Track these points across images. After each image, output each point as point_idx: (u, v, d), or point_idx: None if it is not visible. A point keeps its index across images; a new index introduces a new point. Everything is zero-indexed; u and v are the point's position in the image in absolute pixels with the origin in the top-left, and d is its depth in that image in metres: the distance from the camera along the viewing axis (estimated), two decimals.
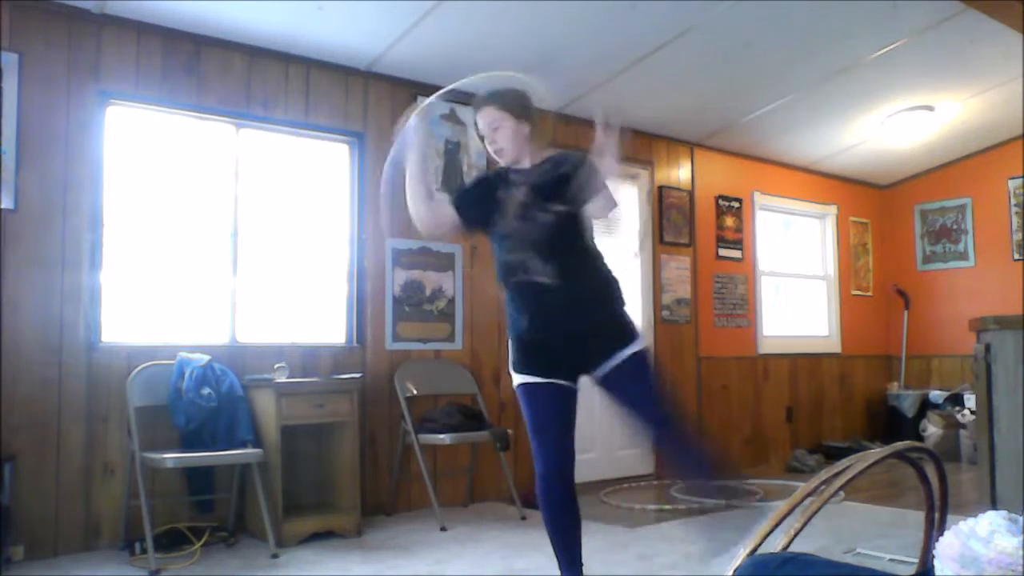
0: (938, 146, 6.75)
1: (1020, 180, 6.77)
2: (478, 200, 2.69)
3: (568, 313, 2.51)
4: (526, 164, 2.66)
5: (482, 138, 2.69)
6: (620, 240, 5.74)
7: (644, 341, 2.61)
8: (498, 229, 2.62)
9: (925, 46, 4.90)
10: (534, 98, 2.70)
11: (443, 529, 4.08)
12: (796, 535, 1.56)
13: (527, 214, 2.54)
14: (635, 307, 5.78)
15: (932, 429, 6.52)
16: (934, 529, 1.70)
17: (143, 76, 3.95)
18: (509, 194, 2.60)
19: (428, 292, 4.78)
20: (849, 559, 3.42)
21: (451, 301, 4.87)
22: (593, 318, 2.53)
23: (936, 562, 1.26)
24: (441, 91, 3.11)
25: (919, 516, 1.79)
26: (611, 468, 5.48)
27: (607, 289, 2.62)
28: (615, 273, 2.67)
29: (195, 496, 3.90)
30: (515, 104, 2.63)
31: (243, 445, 3.75)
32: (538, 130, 2.71)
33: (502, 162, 2.68)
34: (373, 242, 4.62)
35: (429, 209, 2.67)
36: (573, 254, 2.55)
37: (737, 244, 6.51)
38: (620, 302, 2.63)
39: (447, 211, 2.70)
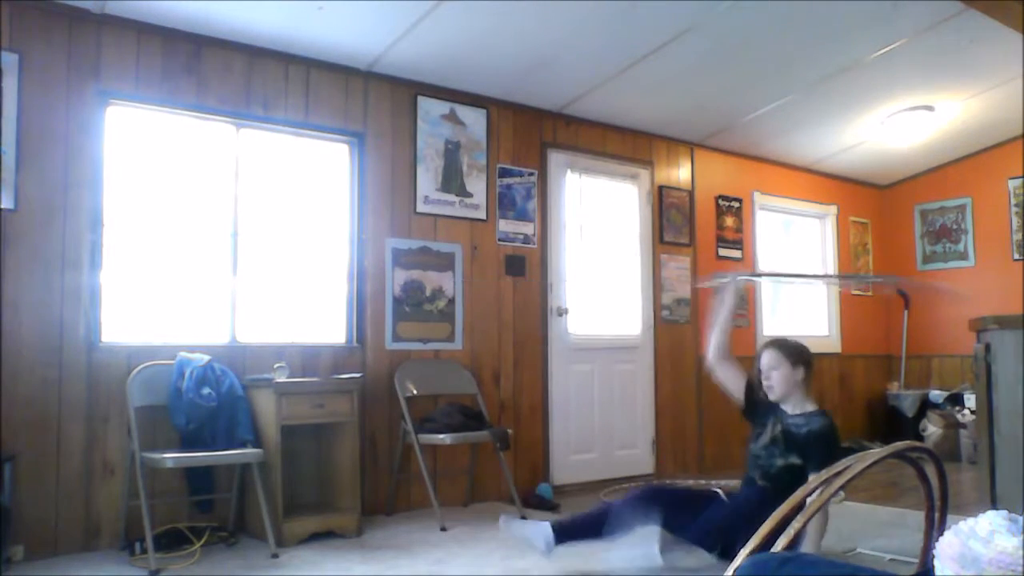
0: (938, 146, 6.75)
1: (1020, 180, 6.77)
2: (756, 405, 3.36)
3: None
4: (788, 407, 3.24)
5: (759, 372, 3.27)
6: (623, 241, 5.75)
7: None
8: (756, 435, 3.30)
9: (925, 46, 4.90)
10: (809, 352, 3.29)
11: (443, 529, 4.08)
12: (796, 535, 1.56)
13: (771, 447, 3.21)
14: (635, 307, 5.78)
15: (932, 429, 6.52)
16: (934, 529, 1.70)
17: (143, 76, 3.95)
18: (770, 422, 3.25)
19: (428, 292, 4.78)
20: (849, 559, 3.42)
21: (451, 301, 4.87)
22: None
23: (936, 562, 1.26)
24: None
25: (919, 516, 1.79)
26: (611, 468, 5.48)
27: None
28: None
29: (195, 496, 3.90)
30: (793, 352, 3.22)
31: (243, 445, 3.75)
32: (806, 382, 3.24)
33: (771, 397, 3.26)
34: (373, 242, 4.62)
35: (719, 360, 3.43)
36: (780, 486, 3.07)
37: (737, 244, 6.51)
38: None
39: (731, 373, 3.43)
